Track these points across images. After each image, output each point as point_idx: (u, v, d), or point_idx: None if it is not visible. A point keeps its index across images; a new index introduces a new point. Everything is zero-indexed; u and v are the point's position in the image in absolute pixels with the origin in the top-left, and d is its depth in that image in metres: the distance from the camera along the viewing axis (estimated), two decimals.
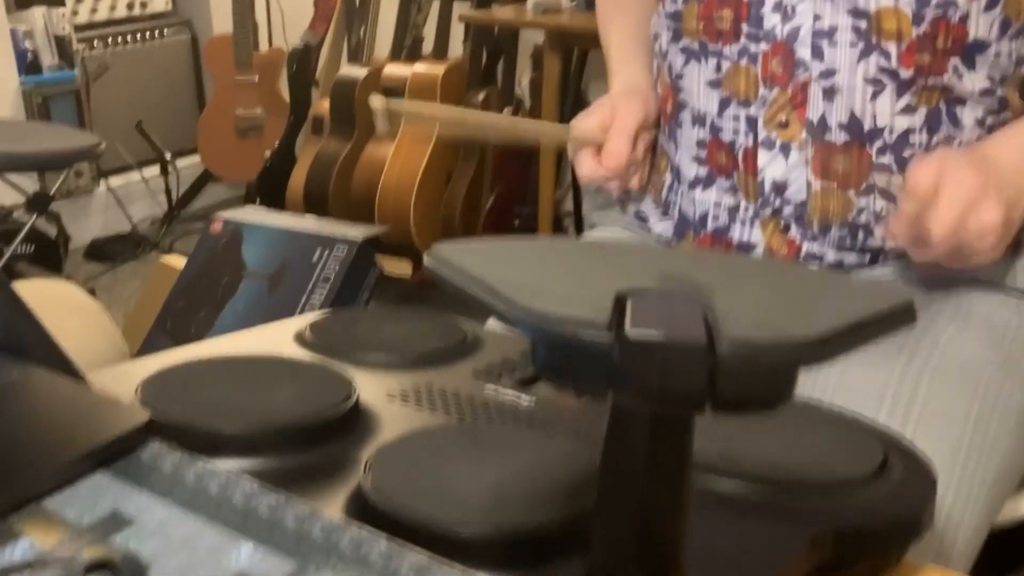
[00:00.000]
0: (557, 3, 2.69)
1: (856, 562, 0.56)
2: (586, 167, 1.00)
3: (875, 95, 0.87)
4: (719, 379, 0.35)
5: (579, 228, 3.09)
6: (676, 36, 0.98)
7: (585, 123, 1.01)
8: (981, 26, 0.85)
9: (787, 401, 0.37)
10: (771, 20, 0.90)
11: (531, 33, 3.11)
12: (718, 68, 0.94)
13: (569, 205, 3.22)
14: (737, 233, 0.95)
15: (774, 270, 0.47)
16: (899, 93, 0.87)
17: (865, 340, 0.39)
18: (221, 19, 3.62)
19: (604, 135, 0.99)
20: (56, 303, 1.29)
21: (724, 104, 0.94)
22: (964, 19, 0.84)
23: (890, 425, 0.79)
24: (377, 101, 0.79)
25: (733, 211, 0.96)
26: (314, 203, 3.01)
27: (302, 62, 3.27)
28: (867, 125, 0.88)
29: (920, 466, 0.60)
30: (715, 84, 0.95)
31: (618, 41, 1.13)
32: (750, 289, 0.43)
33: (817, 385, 0.86)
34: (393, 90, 2.96)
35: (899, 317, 0.42)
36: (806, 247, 0.93)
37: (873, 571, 0.57)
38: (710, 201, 0.97)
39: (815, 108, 0.89)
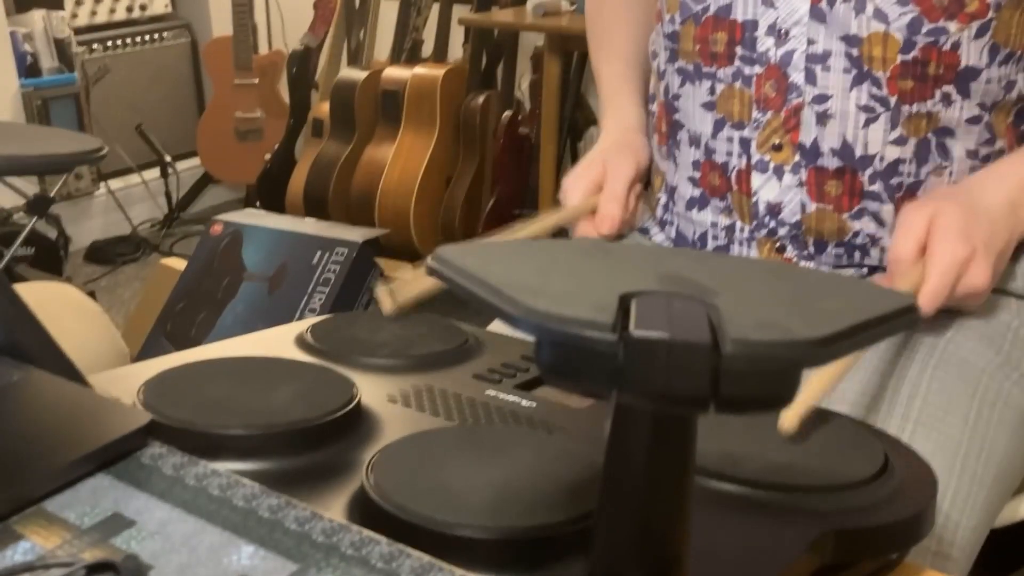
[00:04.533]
0: (557, 6, 2.69)
1: (857, 563, 0.56)
2: (582, 232, 1.01)
3: (868, 123, 0.87)
4: (723, 379, 0.35)
5: None
6: (673, 57, 0.98)
7: (577, 189, 1.01)
8: (972, 53, 0.85)
9: (790, 401, 0.37)
10: (764, 43, 0.89)
11: (531, 36, 3.11)
12: (712, 91, 0.94)
13: None
14: (734, 253, 0.96)
15: (777, 271, 0.47)
16: (892, 122, 0.87)
17: (868, 341, 0.39)
18: (220, 21, 3.62)
19: (596, 198, 1.00)
20: (56, 305, 1.29)
21: (718, 126, 0.94)
22: (956, 46, 0.84)
23: (889, 426, 0.79)
24: (383, 293, 0.81)
25: (730, 231, 0.96)
26: (314, 205, 3.01)
27: (302, 64, 3.27)
28: (859, 152, 0.88)
29: (921, 468, 0.60)
30: (709, 106, 0.94)
31: (608, 71, 1.13)
32: (753, 290, 0.43)
33: None
34: (392, 93, 2.96)
35: (902, 318, 0.42)
36: (803, 266, 0.93)
37: (874, 573, 0.57)
38: (707, 222, 0.97)
39: (808, 133, 0.89)
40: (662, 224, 1.04)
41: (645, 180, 1.05)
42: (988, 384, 0.84)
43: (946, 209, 0.82)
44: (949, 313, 0.90)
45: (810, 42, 0.87)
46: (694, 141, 0.97)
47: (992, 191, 0.84)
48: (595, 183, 1.01)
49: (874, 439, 0.61)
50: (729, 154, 0.93)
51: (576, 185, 1.01)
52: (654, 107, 1.04)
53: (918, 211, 0.82)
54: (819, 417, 0.65)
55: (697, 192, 0.98)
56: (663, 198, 1.02)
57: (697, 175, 0.97)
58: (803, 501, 0.54)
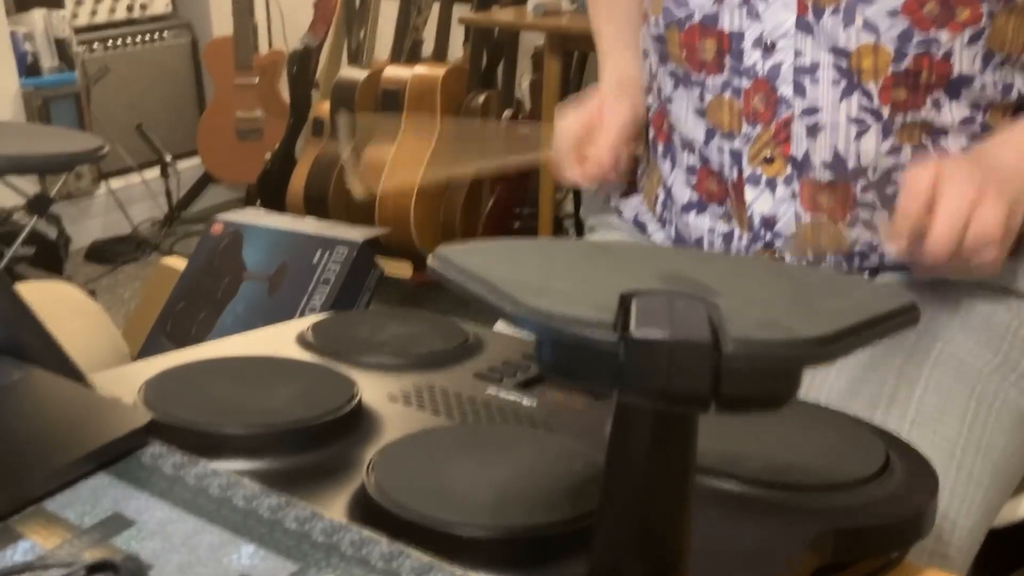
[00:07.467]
0: (557, 5, 2.69)
1: (857, 562, 0.56)
2: (566, 171, 1.00)
3: (859, 135, 0.86)
4: (724, 378, 0.35)
5: (579, 230, 3.09)
6: (663, 59, 0.97)
7: (570, 130, 1.00)
8: (965, 60, 0.84)
9: (790, 400, 0.37)
10: (752, 56, 0.88)
11: (531, 35, 3.11)
12: (701, 98, 0.93)
13: (569, 207, 3.22)
14: None
15: (778, 271, 0.47)
16: (884, 134, 0.86)
17: (869, 340, 0.39)
18: (221, 21, 3.62)
19: (588, 137, 0.99)
20: (57, 305, 1.29)
21: (710, 134, 0.93)
22: (948, 55, 0.83)
23: (887, 425, 0.79)
24: (357, 186, 0.82)
25: (728, 238, 0.95)
26: (314, 205, 3.01)
27: (302, 64, 3.27)
28: (851, 164, 0.87)
29: (922, 466, 0.60)
30: (701, 113, 0.93)
31: (608, 29, 1.12)
32: (754, 289, 0.43)
33: (814, 384, 0.86)
34: (393, 92, 2.96)
35: (902, 318, 0.42)
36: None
37: (874, 571, 0.57)
38: (704, 227, 0.97)
39: (799, 145, 0.88)
40: (662, 222, 1.03)
41: (640, 133, 1.04)
42: (986, 385, 0.84)
43: (951, 161, 0.80)
44: (948, 313, 0.89)
45: (797, 54, 0.86)
46: (688, 146, 0.96)
47: (997, 149, 0.83)
48: (589, 123, 1.00)
49: (875, 437, 0.61)
50: (723, 164, 0.93)
51: (569, 127, 1.01)
52: (651, 100, 1.03)
53: (923, 168, 0.80)
54: (820, 415, 0.65)
55: (695, 196, 0.97)
56: (661, 195, 1.02)
57: (694, 180, 0.97)
58: (804, 500, 0.54)
